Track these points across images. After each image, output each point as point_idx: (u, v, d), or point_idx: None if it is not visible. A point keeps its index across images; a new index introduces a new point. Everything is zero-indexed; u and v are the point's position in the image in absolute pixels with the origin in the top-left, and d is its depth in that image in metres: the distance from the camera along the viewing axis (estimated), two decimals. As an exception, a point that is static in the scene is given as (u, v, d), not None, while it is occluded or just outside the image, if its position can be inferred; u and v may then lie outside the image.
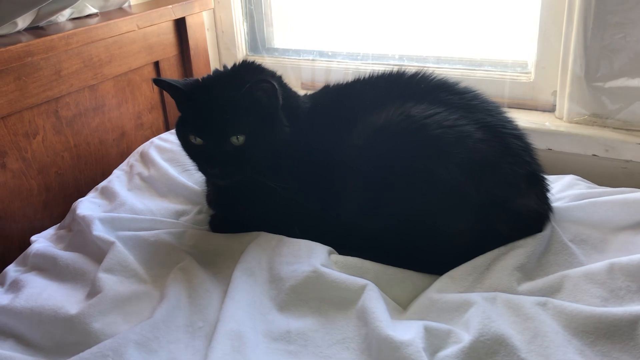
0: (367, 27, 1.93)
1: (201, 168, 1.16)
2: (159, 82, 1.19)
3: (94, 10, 1.61)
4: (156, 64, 1.75)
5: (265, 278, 1.08)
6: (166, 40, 1.76)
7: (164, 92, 1.77)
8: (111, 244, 1.15)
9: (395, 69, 1.32)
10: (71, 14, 1.56)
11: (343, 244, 1.16)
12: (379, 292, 1.00)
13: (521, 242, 1.10)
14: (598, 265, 1.04)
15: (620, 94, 1.49)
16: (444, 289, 1.03)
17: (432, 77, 1.27)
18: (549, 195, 1.17)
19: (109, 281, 1.06)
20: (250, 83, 1.11)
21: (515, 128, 1.20)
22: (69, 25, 1.51)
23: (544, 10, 1.59)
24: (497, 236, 1.10)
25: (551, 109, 1.67)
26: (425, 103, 1.18)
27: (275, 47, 2.17)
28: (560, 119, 1.62)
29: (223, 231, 1.26)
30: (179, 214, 1.37)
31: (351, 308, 0.98)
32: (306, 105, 1.27)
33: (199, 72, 1.86)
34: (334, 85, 1.36)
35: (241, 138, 1.12)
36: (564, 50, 1.55)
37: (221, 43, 2.13)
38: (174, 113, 1.80)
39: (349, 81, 1.34)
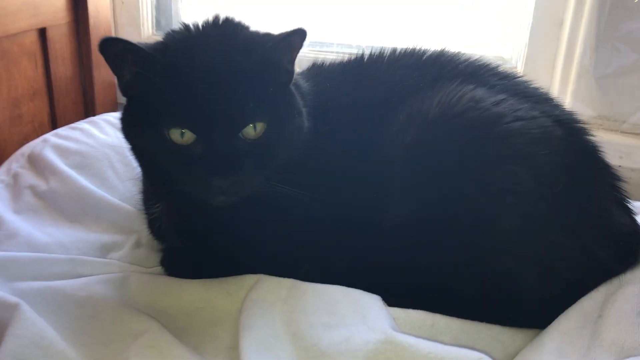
0: (317, 9, 1.57)
1: (194, 183, 0.73)
2: (110, 43, 0.71)
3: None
4: (42, 33, 1.24)
5: (289, 352, 0.67)
6: (57, 0, 1.25)
7: (52, 73, 1.26)
8: (13, 308, 0.66)
9: (409, 47, 0.98)
10: None
11: (385, 288, 0.79)
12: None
13: (629, 276, 0.81)
14: None
15: (635, 92, 1.29)
16: (564, 353, 0.70)
17: (462, 56, 0.96)
18: (633, 210, 0.90)
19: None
20: (280, 37, 0.73)
21: (584, 124, 0.92)
22: None
23: (540, -2, 1.35)
24: (598, 266, 0.81)
25: (540, 110, 1.44)
26: (483, 87, 0.87)
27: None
28: (557, 120, 1.39)
29: (188, 275, 0.82)
30: (105, 249, 0.90)
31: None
32: (306, 85, 0.89)
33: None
34: (328, 65, 0.98)
35: (260, 127, 0.72)
36: (569, 41, 1.32)
37: (120, 17, 1.63)
38: (64, 103, 1.32)
39: (350, 60, 0.98)
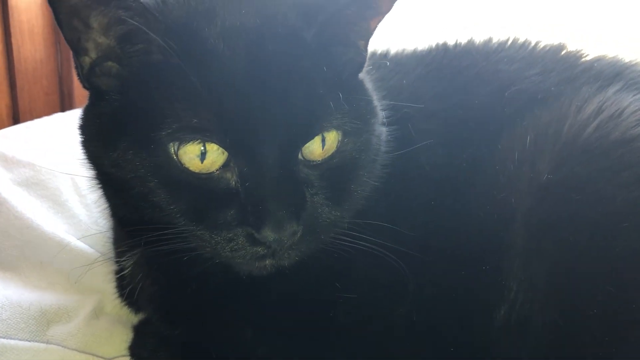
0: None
1: (219, 238, 0.44)
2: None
3: None
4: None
5: None
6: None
7: (14, 52, 0.97)
8: None
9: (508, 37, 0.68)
10: None
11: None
12: None
13: None
14: None
15: None
16: None
17: (586, 53, 0.66)
18: None
19: None
20: None
21: None
22: None
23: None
24: None
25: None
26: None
27: None
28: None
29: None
30: (46, 319, 0.61)
31: None
32: (369, 79, 0.58)
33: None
34: (396, 55, 0.68)
35: (331, 139, 0.46)
36: None
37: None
38: (32, 93, 1.06)
39: (430, 49, 0.67)
